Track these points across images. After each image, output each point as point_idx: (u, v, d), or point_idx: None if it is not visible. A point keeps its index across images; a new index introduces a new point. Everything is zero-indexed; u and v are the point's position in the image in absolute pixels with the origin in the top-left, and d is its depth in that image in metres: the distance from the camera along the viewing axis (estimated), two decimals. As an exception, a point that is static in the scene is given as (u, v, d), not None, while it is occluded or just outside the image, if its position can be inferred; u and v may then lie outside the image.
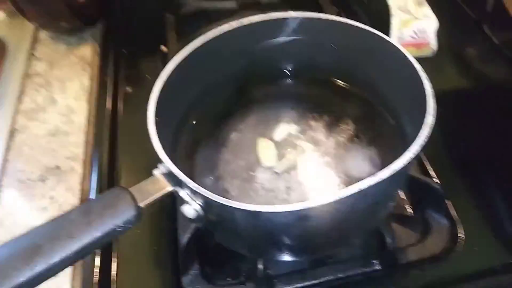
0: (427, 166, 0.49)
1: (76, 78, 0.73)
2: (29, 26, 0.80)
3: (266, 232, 0.36)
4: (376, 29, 0.66)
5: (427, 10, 0.63)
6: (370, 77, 0.48)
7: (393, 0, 0.65)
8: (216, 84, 0.51)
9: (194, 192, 0.34)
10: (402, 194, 0.49)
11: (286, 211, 0.31)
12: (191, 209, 0.35)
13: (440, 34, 0.64)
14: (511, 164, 0.50)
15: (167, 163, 0.35)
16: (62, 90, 0.71)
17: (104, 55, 0.75)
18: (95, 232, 0.31)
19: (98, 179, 0.55)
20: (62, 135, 0.64)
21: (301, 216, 0.32)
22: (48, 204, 0.56)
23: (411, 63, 0.40)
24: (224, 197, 0.44)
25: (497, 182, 0.50)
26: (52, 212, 0.56)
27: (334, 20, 0.47)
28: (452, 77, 0.64)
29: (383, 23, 0.65)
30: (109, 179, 0.56)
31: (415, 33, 0.62)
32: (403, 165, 0.34)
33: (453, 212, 0.44)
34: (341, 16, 0.71)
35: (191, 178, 0.38)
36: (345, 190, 0.32)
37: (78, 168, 0.59)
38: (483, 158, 0.52)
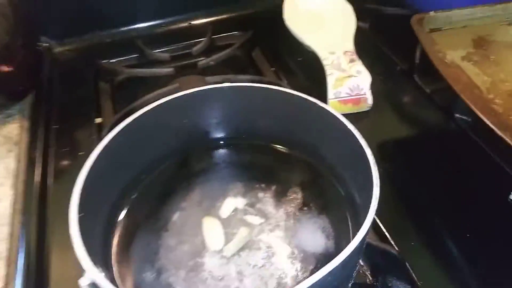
0: (382, 229, 0.47)
1: (1, 160, 0.66)
2: None
3: None
4: (314, 86, 0.68)
5: (360, 66, 0.66)
6: (312, 143, 0.48)
7: (326, 59, 0.67)
8: (152, 161, 0.48)
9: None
10: (360, 261, 0.47)
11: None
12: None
13: (374, 87, 0.66)
14: (461, 210, 0.51)
15: (92, 272, 0.31)
16: (-16, 176, 0.63)
17: (33, 131, 0.69)
18: None
19: (23, 280, 0.48)
20: (-18, 229, 0.56)
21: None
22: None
23: (351, 131, 0.40)
24: (168, 293, 0.40)
25: (452, 233, 0.49)
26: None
27: (270, 89, 0.46)
28: (391, 128, 0.65)
29: (320, 80, 0.66)
30: (37, 280, 0.49)
31: (351, 89, 0.63)
32: (356, 246, 0.32)
33: (415, 277, 0.43)
34: (279, 75, 0.74)
35: (128, 275, 0.33)
36: (297, 287, 0.29)
37: (1, 269, 0.51)
38: (435, 208, 0.52)
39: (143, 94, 0.67)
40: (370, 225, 0.34)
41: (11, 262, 0.52)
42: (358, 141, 0.39)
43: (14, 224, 0.57)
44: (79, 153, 0.64)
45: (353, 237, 0.33)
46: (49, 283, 0.48)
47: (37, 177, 0.61)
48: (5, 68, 0.68)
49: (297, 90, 0.46)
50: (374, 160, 0.38)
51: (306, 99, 0.43)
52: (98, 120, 0.69)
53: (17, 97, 0.74)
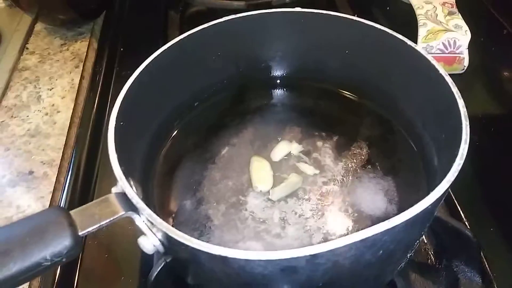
0: (457, 207, 0.40)
1: (67, 74, 0.67)
2: (27, 17, 0.75)
3: (241, 283, 0.28)
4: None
5: (460, 21, 0.56)
6: (389, 92, 0.41)
7: (421, 8, 0.57)
8: (207, 88, 0.45)
9: (151, 222, 0.27)
10: (423, 237, 0.40)
11: (262, 260, 0.24)
12: (149, 243, 0.28)
13: (472, 48, 0.56)
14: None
15: (120, 180, 0.28)
16: (50, 87, 0.65)
17: (100, 50, 0.69)
18: (13, 265, 0.24)
19: (70, 189, 0.49)
20: (41, 136, 0.58)
21: (284, 268, 0.25)
22: (14, 213, 0.50)
23: (442, 78, 0.33)
24: (205, 225, 0.38)
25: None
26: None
27: (348, 19, 0.39)
28: (484, 100, 0.56)
29: (408, 32, 0.57)
30: (84, 190, 0.49)
31: (445, 46, 0.54)
32: (427, 208, 0.26)
33: (487, 267, 0.36)
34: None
35: (167, 199, 0.31)
36: (346, 238, 0.24)
37: (52, 175, 0.53)
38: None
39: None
40: (447, 189, 0.27)
41: (62, 170, 0.53)
42: (450, 88, 0.32)
43: (71, 136, 0.58)
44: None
45: None
46: (94, 194, 0.49)
47: (98, 95, 0.61)
48: (78, -15, 0.68)
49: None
50: (466, 113, 0.30)
51: (390, 34, 0.36)
52: (163, 48, 0.67)
53: (89, 16, 0.75)
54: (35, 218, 0.27)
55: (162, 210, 0.39)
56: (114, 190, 0.30)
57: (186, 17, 0.74)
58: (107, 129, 0.32)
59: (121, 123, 0.33)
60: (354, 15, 0.66)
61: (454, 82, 0.56)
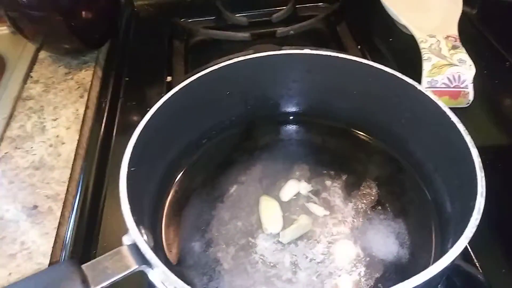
0: (468, 248, 0.40)
1: (71, 104, 0.67)
2: (31, 44, 0.76)
3: None
4: (403, 73, 0.60)
5: (464, 55, 0.56)
6: (399, 133, 0.41)
7: (424, 42, 0.58)
8: (215, 126, 0.45)
9: (166, 278, 0.27)
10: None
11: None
12: (163, 299, 0.27)
13: (476, 81, 0.57)
14: None
15: (133, 232, 0.28)
16: (54, 117, 0.65)
17: (105, 80, 0.70)
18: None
19: (75, 224, 0.48)
20: (46, 169, 0.57)
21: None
22: (17, 250, 0.49)
23: (454, 125, 0.33)
24: (214, 269, 0.37)
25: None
26: (20, 260, 0.48)
27: (356, 61, 0.40)
28: (491, 132, 0.56)
29: (412, 67, 0.58)
30: (90, 225, 0.49)
31: (450, 80, 0.54)
32: (447, 266, 0.26)
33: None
34: (365, 55, 0.66)
35: (176, 241, 0.30)
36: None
37: (57, 210, 0.52)
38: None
39: (216, 57, 0.64)
40: (466, 245, 0.27)
41: (67, 205, 0.53)
42: (462, 137, 0.32)
43: (76, 169, 0.57)
44: (147, 109, 0.63)
45: (436, 251, 0.27)
46: (100, 229, 0.48)
47: (103, 125, 0.61)
48: (85, 15, 0.68)
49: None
50: (480, 163, 0.30)
51: (399, 78, 0.37)
52: (169, 78, 0.67)
53: (94, 45, 0.75)
54: (48, 273, 0.26)
55: (170, 253, 0.38)
56: (125, 240, 0.30)
57: (190, 46, 0.75)
58: (113, 165, 0.32)
59: (132, 169, 0.33)
60: (357, 46, 0.68)
61: (459, 115, 0.57)
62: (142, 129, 0.36)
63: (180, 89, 0.39)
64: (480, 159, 0.30)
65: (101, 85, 0.69)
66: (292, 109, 0.46)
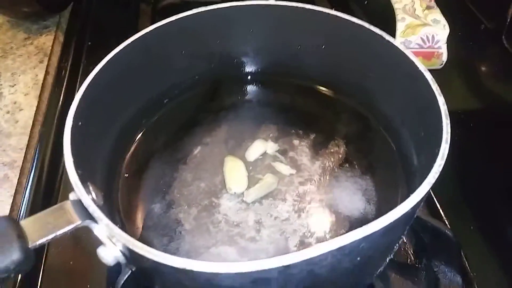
0: (437, 205, 0.39)
1: (30, 70, 0.63)
2: (-12, 9, 0.70)
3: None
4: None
5: (438, 15, 0.55)
6: (367, 88, 0.39)
7: (399, 2, 0.56)
8: (177, 85, 0.42)
9: (111, 232, 0.25)
10: (403, 236, 0.39)
11: (231, 273, 0.22)
12: (109, 254, 0.25)
13: (450, 43, 0.55)
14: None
15: (76, 186, 0.26)
16: (12, 84, 0.61)
17: (67, 45, 0.66)
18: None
19: (32, 192, 0.45)
20: (2, 136, 0.54)
21: (256, 280, 0.23)
22: (-30, 220, 0.46)
23: (421, 74, 0.31)
24: (175, 229, 0.36)
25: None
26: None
27: (323, 12, 0.38)
28: (462, 95, 0.55)
29: (386, 27, 0.56)
30: (47, 193, 0.46)
31: (423, 40, 0.53)
32: (407, 212, 0.24)
33: (467, 267, 0.35)
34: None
35: (135, 203, 0.28)
36: (321, 246, 0.22)
37: (14, 177, 0.49)
38: (506, 192, 0.42)
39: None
40: (428, 191, 0.26)
41: (24, 172, 0.50)
42: (429, 85, 0.30)
43: (33, 135, 0.54)
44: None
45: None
46: (58, 197, 0.45)
47: (63, 91, 0.58)
48: (44, -26, 0.63)
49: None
50: (446, 111, 0.29)
51: (366, 29, 0.35)
52: (133, 42, 0.63)
53: (55, 8, 0.71)
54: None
55: (128, 215, 0.37)
56: (71, 196, 0.28)
57: (158, 9, 0.71)
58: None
59: (79, 123, 0.31)
60: (331, 7, 0.66)
61: (433, 76, 0.56)
62: (91, 80, 0.34)
63: (134, 40, 0.37)
64: (446, 107, 0.29)
65: (62, 50, 0.65)
66: (258, 67, 0.44)
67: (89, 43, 0.65)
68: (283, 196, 0.37)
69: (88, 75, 0.60)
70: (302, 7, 0.38)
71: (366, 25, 0.35)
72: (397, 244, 0.31)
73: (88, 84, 0.34)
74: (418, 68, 0.31)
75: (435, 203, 0.39)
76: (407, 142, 0.35)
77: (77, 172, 0.27)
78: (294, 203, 0.36)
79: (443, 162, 0.26)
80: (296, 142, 0.41)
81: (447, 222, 0.38)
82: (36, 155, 0.50)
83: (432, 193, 0.40)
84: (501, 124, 0.50)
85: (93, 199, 0.27)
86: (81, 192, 0.26)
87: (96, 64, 0.62)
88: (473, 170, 0.44)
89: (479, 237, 0.39)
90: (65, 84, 0.59)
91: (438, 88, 0.30)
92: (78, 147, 0.29)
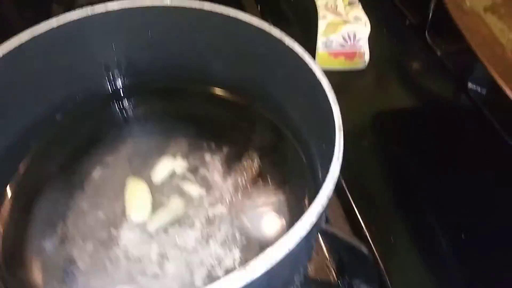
0: (358, 217, 0.38)
1: None
2: None
3: None
4: (305, 34, 0.55)
5: (359, 12, 0.53)
6: (275, 96, 0.37)
7: (321, -2, 0.54)
8: (71, 97, 0.38)
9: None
10: (325, 251, 0.37)
11: None
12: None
13: (375, 40, 0.54)
14: (461, 206, 0.40)
15: None
16: None
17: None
18: None
19: None
20: None
21: None
22: None
23: (318, 80, 0.29)
24: (67, 270, 0.31)
25: (444, 232, 0.39)
26: None
27: (222, 15, 0.34)
28: (388, 93, 0.54)
29: (311, 26, 0.54)
30: None
31: (345, 39, 0.51)
32: (301, 237, 0.22)
33: (388, 281, 0.34)
34: (264, 16, 0.61)
35: (21, 242, 0.28)
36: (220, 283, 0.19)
37: None
38: (428, 198, 0.41)
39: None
40: (322, 212, 0.24)
41: None
42: (326, 95, 0.28)
43: None
44: None
45: None
46: None
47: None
48: None
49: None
50: (340, 123, 0.27)
51: (266, 33, 0.31)
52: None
53: None
54: None
55: (13, 256, 0.32)
56: None
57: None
58: None
59: None
60: (257, 5, 0.63)
61: (356, 78, 0.54)
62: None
63: (11, 50, 0.31)
64: (340, 118, 0.26)
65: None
66: (163, 75, 0.40)
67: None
68: (190, 222, 0.34)
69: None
70: (200, 9, 0.34)
71: (266, 28, 0.32)
72: (300, 271, 0.29)
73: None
74: (315, 75, 0.29)
75: (358, 218, 0.38)
76: (314, 154, 0.33)
77: None
78: (202, 229, 0.33)
79: (332, 183, 0.24)
80: (208, 157, 0.38)
81: (369, 237, 0.37)
82: None
83: (355, 206, 0.39)
84: (427, 122, 0.50)
85: None
86: None
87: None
88: (398, 175, 0.44)
89: (400, 251, 0.38)
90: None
91: (334, 98, 0.27)
92: None
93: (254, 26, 0.32)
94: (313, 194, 0.33)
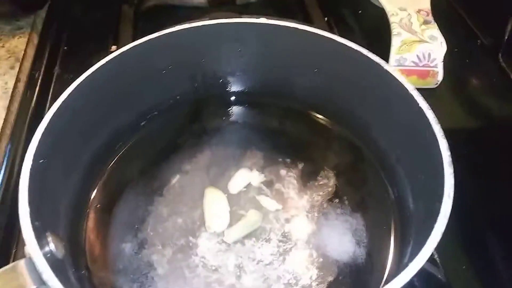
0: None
1: (0, 77, 0.58)
2: (-45, 6, 0.65)
3: None
4: (373, 48, 0.55)
5: (435, 31, 0.52)
6: (362, 117, 0.36)
7: (395, 15, 0.53)
8: (156, 106, 0.39)
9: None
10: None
11: None
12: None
13: (447, 61, 0.53)
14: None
15: (30, 245, 0.22)
16: (-21, 91, 0.56)
17: (41, 49, 0.61)
18: None
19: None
20: (-34, 151, 0.50)
21: None
22: None
23: (421, 110, 0.29)
24: (147, 274, 0.32)
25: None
26: None
27: (318, 34, 0.34)
28: (459, 115, 0.52)
29: (381, 42, 0.53)
30: (12, 217, 0.42)
31: (419, 58, 0.50)
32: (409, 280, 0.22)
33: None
34: (332, 28, 0.61)
35: (104, 242, 0.29)
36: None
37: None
38: (502, 226, 0.40)
39: (169, 26, 0.57)
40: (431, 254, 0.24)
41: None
42: (431, 125, 0.28)
43: (0, 151, 0.50)
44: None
45: (396, 251, 0.24)
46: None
47: (34, 102, 0.54)
48: (18, -29, 0.59)
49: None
50: (449, 159, 0.26)
51: (364, 56, 0.32)
52: (114, 48, 0.59)
53: (30, 8, 0.66)
54: None
55: (96, 257, 0.33)
56: (27, 251, 0.24)
57: (141, 12, 0.66)
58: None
59: (41, 161, 0.27)
60: (324, 17, 0.63)
61: (426, 96, 0.53)
62: (57, 110, 0.30)
63: (107, 62, 0.33)
64: (449, 153, 0.26)
65: (35, 54, 0.61)
66: (245, 88, 0.40)
67: (65, 47, 0.61)
68: (267, 236, 0.34)
69: (62, 83, 0.56)
70: (295, 27, 0.34)
71: (364, 51, 0.32)
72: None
73: (54, 113, 0.30)
74: (419, 104, 0.28)
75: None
76: (403, 182, 0.32)
77: (33, 225, 0.23)
78: (279, 244, 0.34)
79: (446, 221, 0.23)
80: (283, 172, 0.38)
81: (439, 264, 0.36)
82: (2, 174, 0.46)
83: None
84: (497, 146, 0.48)
85: (51, 253, 0.24)
86: (36, 253, 0.22)
87: (72, 71, 0.58)
88: (470, 202, 0.42)
89: (472, 279, 0.36)
90: (36, 93, 0.54)
91: (441, 130, 0.27)
92: (38, 190, 0.25)
93: (350, 48, 0.32)
94: (398, 222, 0.33)
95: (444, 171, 0.25)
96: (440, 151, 0.26)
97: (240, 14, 0.57)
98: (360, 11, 0.63)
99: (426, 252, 0.23)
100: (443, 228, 0.23)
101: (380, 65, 0.31)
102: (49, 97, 0.54)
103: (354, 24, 0.63)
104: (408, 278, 0.21)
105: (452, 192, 0.24)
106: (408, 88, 0.29)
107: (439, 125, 0.27)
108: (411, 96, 0.29)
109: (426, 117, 0.27)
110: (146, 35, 0.57)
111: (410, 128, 0.29)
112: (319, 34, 0.33)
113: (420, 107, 0.28)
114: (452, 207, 0.40)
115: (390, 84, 0.30)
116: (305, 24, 0.36)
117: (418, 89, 0.52)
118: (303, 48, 0.35)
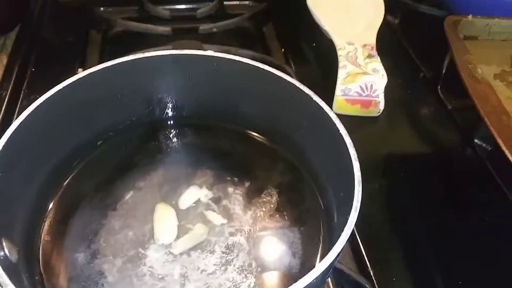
0: (363, 255, 0.40)
1: (-34, 95, 0.60)
2: None
3: None
4: (324, 79, 0.60)
5: (377, 64, 0.58)
6: (298, 141, 0.41)
7: (342, 49, 0.59)
8: (111, 127, 0.42)
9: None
10: (331, 285, 0.40)
11: None
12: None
13: (390, 91, 0.58)
14: (462, 254, 0.43)
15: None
16: None
17: (9, 69, 0.63)
18: None
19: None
20: None
21: None
22: None
23: (339, 133, 0.33)
24: (97, 282, 0.35)
25: (444, 278, 0.42)
26: None
27: (258, 68, 0.39)
28: (399, 141, 0.57)
29: (333, 72, 0.59)
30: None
31: (362, 89, 0.56)
32: (311, 282, 0.25)
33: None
34: (288, 59, 0.66)
35: (58, 252, 0.32)
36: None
37: None
38: (431, 242, 0.44)
39: (135, 51, 0.60)
40: (338, 255, 0.27)
41: None
42: (348, 150, 0.32)
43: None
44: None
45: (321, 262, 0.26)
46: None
47: (0, 120, 0.55)
48: (-11, -5, 0.61)
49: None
50: (360, 178, 0.31)
51: (297, 87, 0.36)
52: (80, 70, 0.62)
53: (1, 30, 0.68)
54: None
55: (50, 265, 0.35)
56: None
57: (109, 37, 0.70)
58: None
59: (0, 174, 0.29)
60: (282, 49, 0.68)
61: (369, 124, 0.58)
62: (17, 127, 0.33)
63: (67, 85, 0.36)
64: (360, 174, 0.30)
65: (3, 74, 0.63)
66: (196, 112, 0.44)
67: (33, 69, 0.63)
68: (211, 248, 0.37)
69: (28, 104, 0.58)
70: (239, 61, 0.39)
71: (296, 83, 0.36)
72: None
73: (14, 130, 0.33)
74: (339, 131, 0.33)
75: (364, 256, 0.41)
76: (331, 199, 0.36)
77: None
78: (222, 256, 0.37)
79: (349, 231, 0.27)
80: (230, 189, 0.41)
81: (372, 275, 0.39)
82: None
83: (361, 245, 0.42)
84: (433, 171, 0.53)
85: (5, 257, 0.26)
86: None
87: (38, 92, 0.61)
88: (404, 219, 0.46)
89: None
90: (1, 113, 0.56)
91: (355, 154, 0.31)
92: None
93: (285, 80, 0.36)
94: (326, 235, 0.37)
95: (354, 189, 0.29)
96: (353, 172, 0.30)
97: (203, 42, 0.62)
98: (314, 44, 0.68)
99: (330, 256, 0.26)
100: (347, 238, 0.27)
101: (310, 96, 0.35)
102: (15, 116, 0.56)
103: (310, 55, 0.68)
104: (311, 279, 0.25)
105: (359, 206, 0.28)
106: (331, 116, 0.33)
107: (354, 148, 0.31)
108: (334, 124, 0.33)
109: (345, 141, 0.32)
110: (112, 59, 0.60)
111: (334, 152, 0.33)
112: (259, 68, 0.38)
113: (340, 133, 0.32)
114: (392, 222, 0.44)
115: (318, 113, 0.34)
116: (261, 60, 0.40)
117: (362, 117, 0.59)
118: (245, 77, 0.39)
